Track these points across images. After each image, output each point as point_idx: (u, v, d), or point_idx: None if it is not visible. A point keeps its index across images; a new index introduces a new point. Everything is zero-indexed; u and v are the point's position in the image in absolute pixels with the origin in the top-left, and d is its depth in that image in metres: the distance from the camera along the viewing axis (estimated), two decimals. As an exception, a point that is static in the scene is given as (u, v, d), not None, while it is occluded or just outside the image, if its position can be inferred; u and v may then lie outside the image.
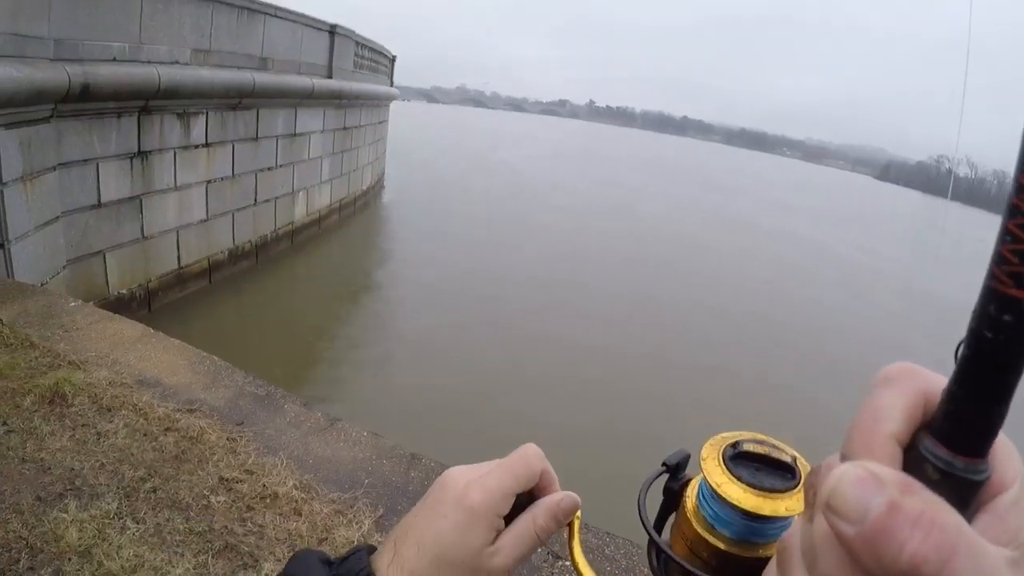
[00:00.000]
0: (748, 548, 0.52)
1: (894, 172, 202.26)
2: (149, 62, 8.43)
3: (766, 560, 0.43)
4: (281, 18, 12.38)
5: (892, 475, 0.30)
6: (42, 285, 6.86)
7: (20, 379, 4.19)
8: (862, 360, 12.39)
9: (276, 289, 12.21)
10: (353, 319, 11.82)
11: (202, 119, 9.93)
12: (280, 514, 3.39)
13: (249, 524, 3.30)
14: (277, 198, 13.16)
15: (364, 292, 13.40)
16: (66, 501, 3.27)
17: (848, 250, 28.86)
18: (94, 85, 7.19)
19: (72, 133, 7.38)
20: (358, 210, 19.32)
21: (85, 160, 7.66)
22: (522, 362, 10.24)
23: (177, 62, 9.11)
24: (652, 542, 0.58)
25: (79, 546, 3.01)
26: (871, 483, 0.29)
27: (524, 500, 0.60)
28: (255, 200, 12.16)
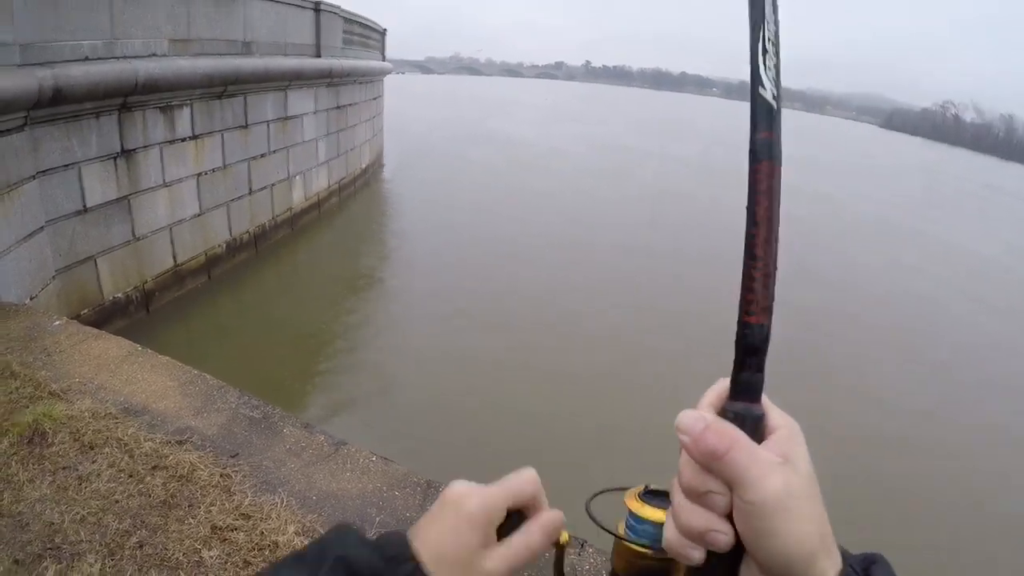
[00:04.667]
0: (661, 552, 0.64)
1: (899, 120, 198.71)
2: (124, 57, 8.00)
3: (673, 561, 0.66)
4: (264, -1, 11.92)
5: (708, 415, 0.60)
6: (31, 299, 6.56)
7: (-2, 417, 3.89)
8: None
9: (277, 280, 11.89)
10: (357, 309, 11.43)
11: (187, 111, 9.53)
12: (281, 566, 3.08)
13: (247, 582, 2.99)
14: (273, 185, 12.78)
15: (367, 278, 12.96)
16: (45, 564, 2.96)
17: (853, 201, 28.43)
18: (67, 87, 6.79)
19: (49, 139, 6.99)
20: (358, 190, 18.94)
21: (66, 165, 7.29)
22: (535, 353, 9.80)
23: (154, 54, 8.68)
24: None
25: (59, 621, 2.72)
26: (696, 416, 0.59)
27: (516, 519, 0.69)
28: (250, 189, 11.79)
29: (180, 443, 3.89)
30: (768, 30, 0.59)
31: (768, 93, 0.58)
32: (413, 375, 9.09)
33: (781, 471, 0.56)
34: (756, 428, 0.60)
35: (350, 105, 17.76)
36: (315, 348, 9.67)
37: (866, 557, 0.62)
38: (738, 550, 0.58)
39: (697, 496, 0.58)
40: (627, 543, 0.75)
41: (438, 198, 20.01)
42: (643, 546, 0.73)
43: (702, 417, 0.59)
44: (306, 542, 3.15)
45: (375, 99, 21.68)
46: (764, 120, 0.59)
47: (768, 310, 0.60)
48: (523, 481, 0.71)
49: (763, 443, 0.59)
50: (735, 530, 0.57)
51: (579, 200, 21.61)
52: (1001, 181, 60.68)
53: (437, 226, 16.81)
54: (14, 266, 6.30)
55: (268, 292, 11.26)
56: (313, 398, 8.41)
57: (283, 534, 3.23)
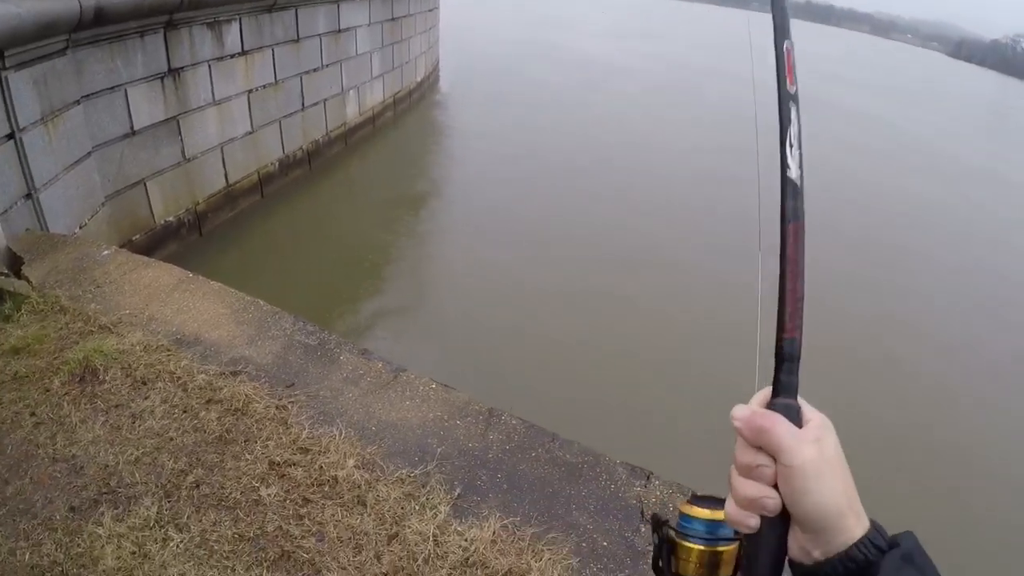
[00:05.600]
0: (711, 545, 0.79)
1: (967, 50, 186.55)
2: (166, -29, 7.69)
3: (724, 551, 0.79)
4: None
5: (756, 406, 0.74)
6: (81, 227, 6.44)
7: (50, 354, 3.76)
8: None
9: (331, 197, 11.67)
10: (413, 229, 11.10)
11: (235, 26, 9.18)
12: (342, 505, 2.90)
13: (307, 522, 2.83)
14: (326, 100, 12.42)
15: (423, 197, 12.69)
16: (101, 510, 2.85)
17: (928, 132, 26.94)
18: (109, 6, 6.49)
19: (93, 61, 6.74)
20: (413, 104, 18.41)
21: (112, 88, 7.05)
22: (593, 282, 9.42)
23: (198, -33, 8.33)
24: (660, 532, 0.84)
25: (117, 570, 2.59)
26: (748, 408, 0.74)
27: None
28: (303, 105, 11.48)
29: (234, 374, 3.73)
30: (792, 131, 0.79)
31: (794, 174, 0.78)
32: (471, 300, 8.86)
33: (813, 444, 0.70)
34: (793, 417, 0.73)
35: (404, 16, 17.09)
36: (371, 269, 9.48)
37: (895, 536, 0.72)
38: (785, 517, 0.71)
39: (749, 471, 0.72)
40: (681, 543, 0.81)
41: (494, 114, 19.30)
42: (697, 541, 0.80)
43: (752, 408, 0.75)
44: (367, 477, 2.98)
45: (431, 11, 20.86)
46: (791, 195, 0.78)
47: (799, 327, 0.76)
48: None
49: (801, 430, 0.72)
50: (781, 497, 0.70)
51: (640, 123, 20.74)
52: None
53: (493, 143, 16.26)
54: (62, 194, 6.16)
55: (322, 210, 11.07)
56: (370, 320, 8.25)
57: (342, 468, 3.06)
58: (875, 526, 0.70)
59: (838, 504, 0.68)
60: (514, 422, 3.47)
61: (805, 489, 0.68)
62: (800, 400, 0.74)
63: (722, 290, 8.92)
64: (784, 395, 0.74)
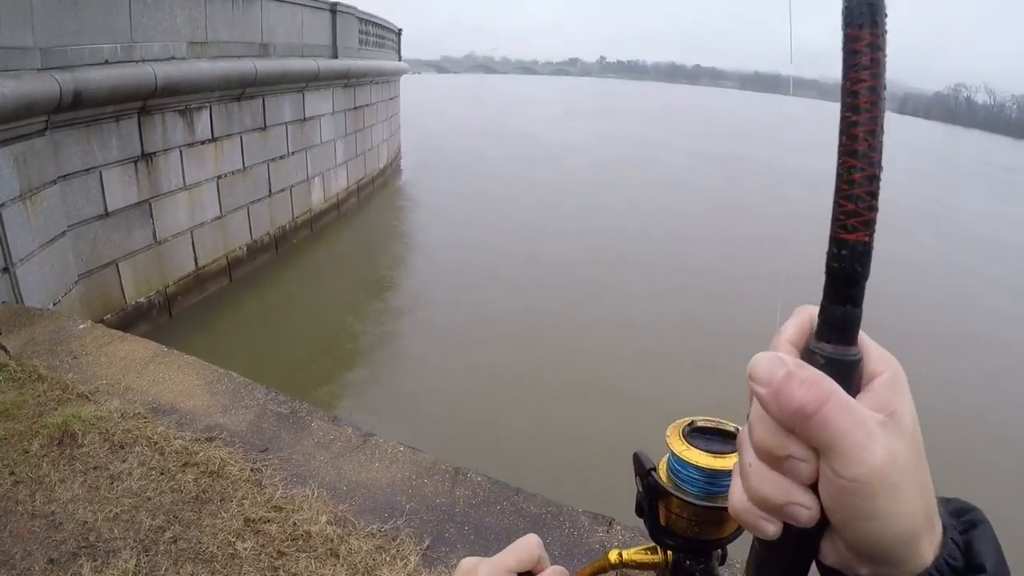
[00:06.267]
0: (711, 499, 0.63)
1: (912, 104, 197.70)
2: (143, 60, 8.03)
3: (725, 508, 0.59)
4: (279, 1, 11.92)
5: (790, 358, 0.46)
6: (54, 305, 6.58)
7: (28, 419, 3.89)
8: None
9: (299, 282, 11.89)
10: (378, 310, 11.37)
11: (206, 113, 9.55)
12: (315, 558, 3.04)
13: (281, 573, 2.96)
14: (292, 186, 12.80)
15: (388, 279, 13.00)
16: (80, 562, 2.96)
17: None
18: (87, 91, 6.82)
19: (70, 143, 7.03)
20: (376, 190, 18.97)
21: (87, 169, 7.32)
22: (558, 352, 9.70)
23: (173, 57, 8.71)
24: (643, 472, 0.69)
25: (95, 618, 2.70)
26: (776, 361, 0.46)
27: None
28: (270, 191, 11.81)
29: (210, 440, 3.88)
30: None
31: None
32: (436, 371, 9.09)
33: (885, 436, 0.44)
34: (851, 376, 0.46)
35: (367, 105, 17.79)
36: (339, 348, 9.69)
37: (961, 514, 0.51)
38: (822, 524, 0.47)
39: (774, 460, 0.46)
40: (671, 492, 0.65)
41: (455, 196, 19.96)
42: (689, 493, 0.64)
43: (783, 362, 0.46)
44: (339, 531, 3.14)
45: (392, 99, 21.71)
46: None
47: (871, 223, 0.46)
48: (526, 546, 0.73)
49: (860, 395, 0.46)
50: (820, 503, 0.45)
51: (589, 193, 21.60)
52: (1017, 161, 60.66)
53: (454, 224, 16.79)
54: (38, 271, 6.33)
55: (290, 293, 11.28)
56: (339, 394, 8.42)
57: (315, 524, 3.21)
58: (948, 535, 0.48)
59: (913, 527, 0.45)
60: (479, 479, 3.65)
61: (868, 512, 0.44)
62: (863, 340, 0.48)
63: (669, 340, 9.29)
64: (837, 337, 0.47)
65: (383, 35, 20.75)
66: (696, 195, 22.64)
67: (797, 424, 0.44)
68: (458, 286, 12.43)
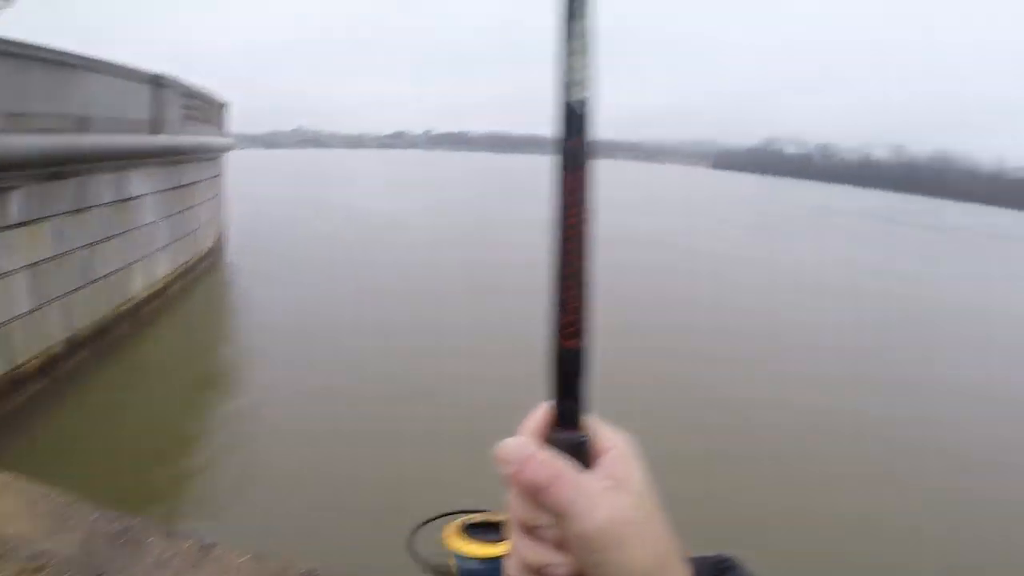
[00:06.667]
0: None
1: (727, 159, 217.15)
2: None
3: None
4: (100, 72, 10.96)
5: (531, 443, 0.56)
6: None
7: None
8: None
9: (125, 379, 10.77)
10: (212, 403, 10.59)
11: (18, 194, 8.47)
12: None
13: None
14: (113, 273, 11.64)
15: (218, 370, 12.17)
16: None
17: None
18: None
19: None
20: (202, 273, 17.83)
21: None
22: (393, 423, 9.61)
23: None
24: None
25: None
26: (519, 445, 0.55)
27: None
28: (88, 279, 10.65)
29: (38, 570, 3.20)
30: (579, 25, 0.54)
31: (576, 97, 0.55)
32: (276, 462, 8.64)
33: (609, 500, 0.54)
34: (580, 454, 0.56)
35: (192, 184, 16.82)
36: (172, 450, 8.87)
37: (717, 563, 0.64)
38: None
39: (529, 530, 0.57)
40: None
41: (284, 276, 19.29)
42: None
43: (525, 445, 0.57)
44: None
45: (217, 177, 20.77)
46: (573, 127, 0.55)
47: (585, 331, 0.56)
48: None
49: (593, 468, 0.56)
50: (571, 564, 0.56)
51: (417, 266, 21.87)
52: (827, 202, 71.63)
53: (285, 307, 16.04)
54: None
55: (116, 393, 10.16)
56: (177, 501, 7.79)
57: None
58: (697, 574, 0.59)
59: (646, 571, 0.54)
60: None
61: (601, 563, 0.53)
62: (593, 422, 0.58)
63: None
64: (566, 424, 0.57)
65: (209, 109, 19.85)
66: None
67: (537, 497, 0.54)
68: (290, 373, 11.70)
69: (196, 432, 9.55)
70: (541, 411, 0.59)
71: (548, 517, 0.55)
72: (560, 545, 0.55)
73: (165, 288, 14.44)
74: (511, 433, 0.58)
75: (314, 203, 37.11)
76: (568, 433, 0.57)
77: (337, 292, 17.40)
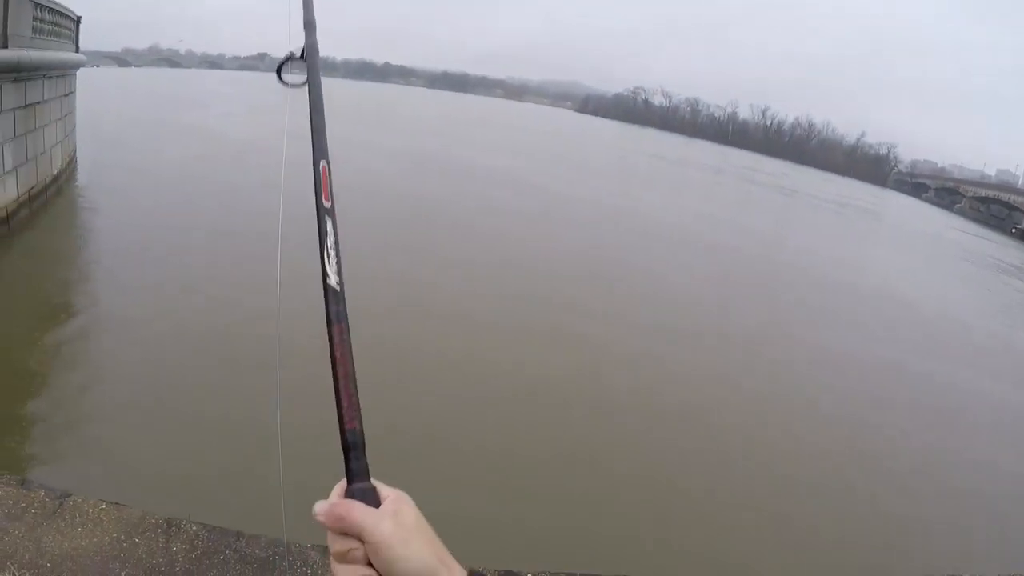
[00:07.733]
0: None
1: (593, 104, 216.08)
2: None
3: None
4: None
5: (336, 498, 0.84)
6: None
7: None
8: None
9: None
10: (63, 339, 10.03)
11: None
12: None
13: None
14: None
15: (70, 303, 11.61)
16: None
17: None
18: None
19: None
20: (51, 199, 16.95)
21: None
22: (256, 360, 8.71)
23: None
24: None
25: None
26: (326, 502, 0.83)
27: None
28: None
29: None
30: (329, 242, 0.90)
31: (334, 281, 0.89)
32: (138, 407, 8.21)
33: (390, 517, 0.81)
34: (368, 498, 0.83)
35: (40, 103, 15.91)
36: (14, 392, 8.25)
37: None
38: None
39: (343, 557, 0.80)
40: None
41: (137, 203, 18.66)
42: None
43: (331, 499, 0.84)
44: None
45: (67, 95, 19.68)
46: (334, 300, 0.88)
47: (358, 415, 0.86)
48: None
49: (380, 508, 0.82)
50: (378, 573, 0.80)
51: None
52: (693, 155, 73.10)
53: (139, 233, 15.65)
54: None
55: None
56: (27, 447, 7.25)
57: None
58: (471, 572, 0.86)
59: (427, 564, 0.80)
60: (195, 528, 3.53)
61: (393, 559, 0.79)
62: (374, 481, 0.86)
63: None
64: (358, 480, 0.84)
65: (60, 23, 18.71)
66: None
67: (343, 527, 0.80)
68: (145, 304, 11.53)
69: (40, 368, 9.00)
70: (341, 484, 0.85)
71: (354, 543, 0.80)
72: (367, 562, 0.80)
73: (10, 215, 13.74)
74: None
75: (166, 126, 35.81)
76: (358, 486, 0.84)
77: (188, 222, 17.08)
